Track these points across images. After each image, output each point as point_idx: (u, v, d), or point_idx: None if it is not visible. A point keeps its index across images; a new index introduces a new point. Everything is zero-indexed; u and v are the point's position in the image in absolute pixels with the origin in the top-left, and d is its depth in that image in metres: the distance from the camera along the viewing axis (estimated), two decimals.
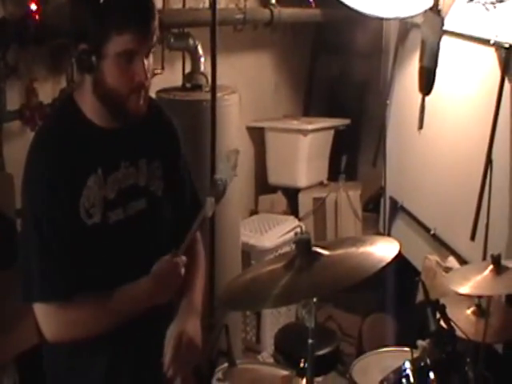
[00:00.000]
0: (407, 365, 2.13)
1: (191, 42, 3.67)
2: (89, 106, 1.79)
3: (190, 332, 1.84)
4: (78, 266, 1.77)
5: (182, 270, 1.83)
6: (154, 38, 1.74)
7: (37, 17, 2.89)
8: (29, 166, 1.79)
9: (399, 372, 2.14)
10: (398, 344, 2.81)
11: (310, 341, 1.75)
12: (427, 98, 3.49)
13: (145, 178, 1.89)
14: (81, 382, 1.90)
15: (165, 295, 1.83)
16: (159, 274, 1.80)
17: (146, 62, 1.73)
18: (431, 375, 2.07)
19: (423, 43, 3.34)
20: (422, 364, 2.11)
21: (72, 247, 1.75)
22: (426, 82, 3.39)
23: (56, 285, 1.75)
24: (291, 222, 4.41)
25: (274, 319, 4.08)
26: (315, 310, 1.74)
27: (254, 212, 4.86)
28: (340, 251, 1.80)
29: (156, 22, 1.73)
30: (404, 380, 2.11)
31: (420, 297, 3.43)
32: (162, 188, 1.92)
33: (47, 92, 3.22)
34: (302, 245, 1.76)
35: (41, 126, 2.03)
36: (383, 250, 1.77)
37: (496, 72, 2.98)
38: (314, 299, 1.71)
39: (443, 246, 3.50)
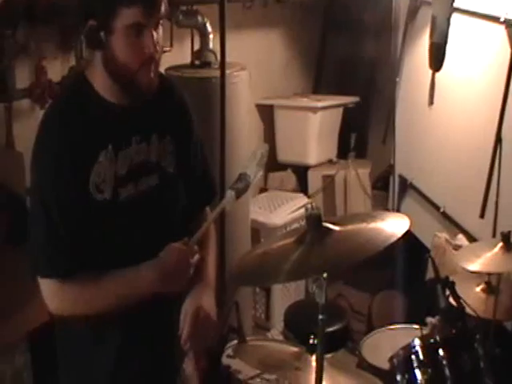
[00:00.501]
0: (417, 342, 2.14)
1: (200, 19, 3.65)
2: (100, 82, 1.78)
3: (206, 306, 1.84)
4: (85, 242, 1.76)
5: (193, 260, 1.81)
6: (163, 10, 1.73)
7: None
8: (39, 141, 1.78)
9: (409, 349, 2.15)
10: (408, 321, 2.83)
11: (320, 316, 1.72)
12: (438, 75, 3.48)
13: (156, 153, 1.87)
14: (91, 364, 1.91)
15: (171, 285, 1.79)
16: (166, 262, 1.78)
17: (155, 34, 1.72)
18: (441, 352, 2.08)
19: (434, 19, 3.32)
20: (432, 341, 2.12)
21: (81, 223, 1.75)
22: (436, 58, 3.38)
23: (58, 262, 1.76)
24: (300, 200, 4.40)
25: (284, 296, 4.08)
26: (326, 286, 1.74)
27: (263, 189, 4.85)
28: (350, 227, 1.78)
29: None
30: (413, 357, 2.12)
31: (430, 274, 3.44)
32: (173, 164, 1.91)
33: (56, 70, 3.22)
34: (313, 220, 1.73)
35: (52, 103, 2.02)
36: (393, 225, 1.75)
37: (506, 49, 2.96)
38: (325, 274, 1.67)
39: (452, 224, 3.50)
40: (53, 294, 1.78)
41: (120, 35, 1.69)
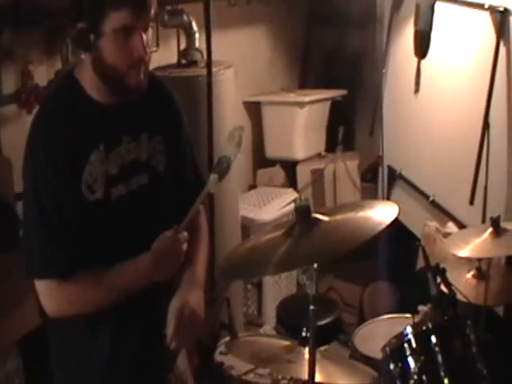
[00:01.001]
0: (409, 330, 2.11)
1: (185, 18, 3.65)
2: (89, 82, 1.79)
3: (192, 304, 1.84)
4: (80, 242, 1.78)
5: (184, 247, 1.83)
6: (152, 13, 1.73)
7: None
8: (30, 143, 1.79)
9: (401, 337, 2.12)
10: (400, 311, 2.84)
11: (311, 307, 1.72)
12: (423, 63, 3.49)
13: (146, 152, 1.88)
14: (84, 357, 1.91)
15: (165, 272, 1.82)
16: (158, 250, 1.80)
17: (144, 36, 1.73)
18: (433, 339, 2.06)
19: (417, 7, 3.34)
20: (424, 328, 2.09)
21: (74, 224, 1.76)
22: (421, 46, 3.41)
23: (56, 262, 1.77)
24: (290, 195, 4.40)
25: (276, 292, 4.08)
26: (316, 276, 1.74)
27: (252, 186, 4.85)
28: (339, 216, 1.78)
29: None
30: (406, 345, 2.09)
31: (420, 264, 3.46)
32: (163, 163, 1.92)
33: (43, 74, 3.21)
34: (302, 211, 1.73)
35: (41, 104, 2.04)
36: (382, 213, 1.75)
37: (491, 36, 2.98)
38: (315, 265, 1.68)
39: (442, 212, 3.51)
40: (51, 295, 1.79)
41: (109, 38, 1.70)
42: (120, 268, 1.80)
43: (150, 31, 1.77)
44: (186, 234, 1.84)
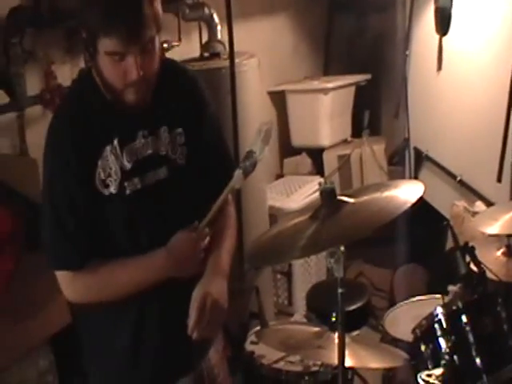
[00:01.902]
0: (439, 310, 2.12)
1: (206, 11, 3.65)
2: (100, 82, 1.80)
3: (214, 293, 1.81)
4: (95, 235, 1.81)
5: (203, 244, 1.82)
6: (147, 38, 1.68)
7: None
8: (48, 138, 1.83)
9: (431, 318, 2.13)
10: (430, 293, 2.83)
11: (339, 290, 1.72)
12: (445, 40, 3.45)
13: (166, 146, 1.86)
14: (109, 345, 1.95)
15: (180, 270, 1.81)
16: (174, 248, 1.80)
17: (138, 59, 1.68)
18: (463, 318, 2.05)
19: None
20: (454, 308, 2.09)
21: (88, 217, 1.79)
22: (442, 22, 3.38)
23: (70, 254, 1.81)
24: (317, 182, 4.38)
25: (305, 280, 4.06)
26: (343, 259, 1.70)
27: (279, 175, 4.85)
28: (364, 197, 1.77)
29: (148, 25, 1.67)
30: (436, 325, 2.10)
31: (450, 244, 3.44)
32: (185, 155, 1.89)
33: (66, 74, 3.20)
34: (327, 194, 1.74)
35: (61, 102, 2.07)
36: (407, 192, 1.74)
37: None
38: (342, 248, 1.68)
39: (470, 192, 3.48)
40: (67, 285, 1.84)
41: (102, 58, 1.71)
42: (134, 261, 1.82)
43: (156, 45, 1.74)
44: (206, 230, 1.83)
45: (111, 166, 1.79)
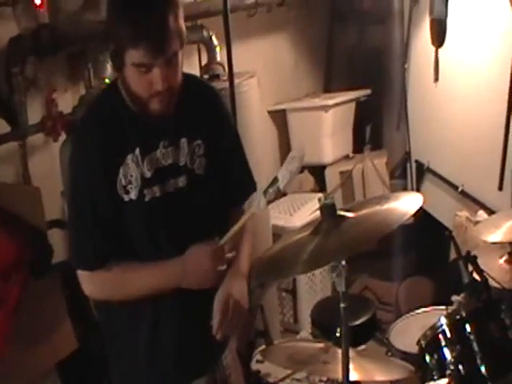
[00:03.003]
0: (443, 320, 2.13)
1: (205, 33, 3.68)
2: (125, 93, 1.88)
3: (236, 294, 1.91)
4: (115, 238, 1.88)
5: (223, 260, 1.88)
6: (172, 51, 1.77)
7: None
8: (72, 144, 1.97)
9: (435, 328, 2.14)
10: (435, 304, 2.82)
11: (342, 305, 1.73)
12: (442, 51, 3.47)
13: (185, 157, 1.93)
14: (130, 334, 2.01)
15: (194, 283, 1.87)
16: (189, 260, 1.86)
17: (164, 71, 1.77)
18: (467, 327, 2.06)
19: None
20: (458, 317, 2.11)
21: (109, 221, 1.87)
22: (438, 34, 3.40)
23: (87, 256, 1.91)
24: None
25: (311, 297, 4.03)
26: (346, 274, 1.71)
27: (282, 194, 4.86)
28: (365, 211, 1.80)
29: (173, 38, 1.75)
30: (441, 336, 2.11)
31: (453, 255, 3.43)
32: (203, 166, 1.96)
33: (67, 101, 3.24)
34: (327, 209, 1.77)
35: (85, 109, 2.14)
36: (407, 203, 1.77)
37: (510, 15, 2.96)
38: (343, 262, 1.69)
39: (472, 202, 3.48)
40: (85, 282, 1.93)
41: (129, 69, 1.79)
42: (151, 268, 1.89)
43: (180, 56, 1.81)
44: (226, 247, 1.89)
45: (132, 173, 1.87)
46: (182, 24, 1.80)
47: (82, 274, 1.93)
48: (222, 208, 1.99)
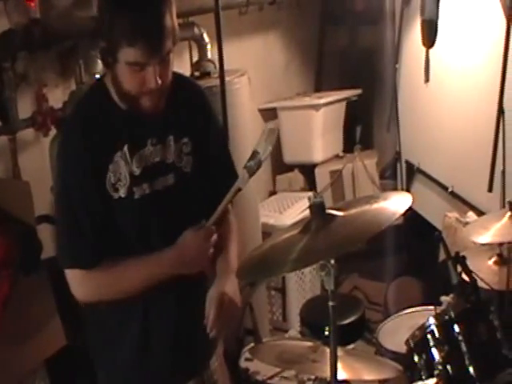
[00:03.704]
0: (431, 321, 2.14)
1: (196, 30, 3.68)
2: (113, 91, 1.87)
3: (229, 293, 1.91)
4: (105, 236, 1.86)
5: (212, 241, 1.89)
6: (167, 50, 1.76)
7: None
8: (60, 141, 1.93)
9: (424, 329, 2.15)
10: (424, 305, 2.83)
11: (330, 303, 1.73)
12: (433, 52, 3.47)
13: (172, 154, 1.93)
14: (117, 344, 1.99)
15: (189, 265, 1.88)
16: (183, 244, 1.87)
17: (157, 68, 1.76)
18: (456, 328, 2.07)
19: None
20: (447, 318, 2.11)
21: (99, 219, 1.85)
22: (429, 35, 3.41)
23: (80, 254, 1.87)
24: None
25: (300, 296, 4.05)
26: (337, 273, 1.70)
27: (272, 192, 4.85)
28: (354, 210, 1.79)
29: (168, 37, 1.75)
30: (429, 336, 2.12)
31: (443, 256, 3.44)
32: (191, 163, 1.96)
33: (57, 96, 3.23)
34: (316, 208, 1.76)
35: (73, 106, 2.13)
36: (396, 203, 1.76)
37: (501, 19, 2.96)
38: (332, 261, 1.69)
39: (462, 202, 3.49)
40: (78, 283, 1.89)
41: (122, 67, 1.77)
42: (144, 259, 1.87)
43: (171, 56, 1.80)
44: (213, 228, 1.90)
45: (121, 171, 1.86)
46: (176, 22, 1.80)
47: (73, 274, 1.89)
48: (209, 205, 1.97)
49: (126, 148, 1.86)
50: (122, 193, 1.86)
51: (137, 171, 1.88)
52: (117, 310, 1.94)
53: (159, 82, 1.77)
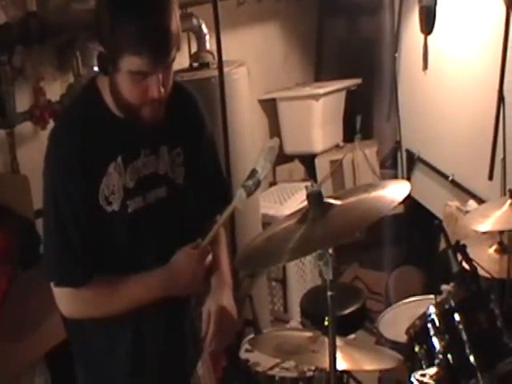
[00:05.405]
0: (432, 310, 2.12)
1: (195, 21, 3.65)
2: (108, 97, 1.76)
3: (227, 306, 1.87)
4: (97, 252, 1.78)
5: (207, 260, 1.83)
6: (173, 56, 1.68)
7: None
8: (49, 152, 1.78)
9: (424, 318, 2.13)
10: (425, 294, 2.82)
11: (329, 293, 1.72)
12: (431, 39, 3.45)
13: (165, 165, 1.85)
14: (105, 359, 1.92)
15: (182, 288, 1.83)
16: (176, 265, 1.81)
17: (160, 76, 1.67)
18: (456, 317, 2.05)
19: None
20: (447, 307, 2.09)
21: (90, 234, 1.76)
22: (427, 21, 3.40)
23: (70, 272, 1.78)
24: None
25: (300, 287, 4.03)
26: (336, 263, 1.69)
27: (272, 183, 4.83)
28: (352, 199, 1.78)
29: (174, 44, 1.67)
30: (430, 325, 2.10)
31: (444, 245, 3.43)
32: (183, 175, 1.89)
33: (55, 90, 3.21)
34: (314, 197, 1.74)
35: (63, 112, 2.04)
36: (394, 191, 1.75)
37: (501, 5, 2.93)
38: (330, 250, 1.67)
39: (463, 191, 3.48)
40: (65, 301, 1.81)
41: (124, 76, 1.67)
42: (135, 279, 1.80)
43: (171, 65, 1.73)
44: (208, 247, 1.84)
45: (115, 183, 1.77)
46: (180, 26, 1.71)
47: (62, 292, 1.80)
48: (202, 218, 1.94)
49: (119, 159, 1.77)
50: (116, 206, 1.78)
51: (131, 184, 1.79)
52: (106, 326, 1.86)
53: (162, 91, 1.69)
